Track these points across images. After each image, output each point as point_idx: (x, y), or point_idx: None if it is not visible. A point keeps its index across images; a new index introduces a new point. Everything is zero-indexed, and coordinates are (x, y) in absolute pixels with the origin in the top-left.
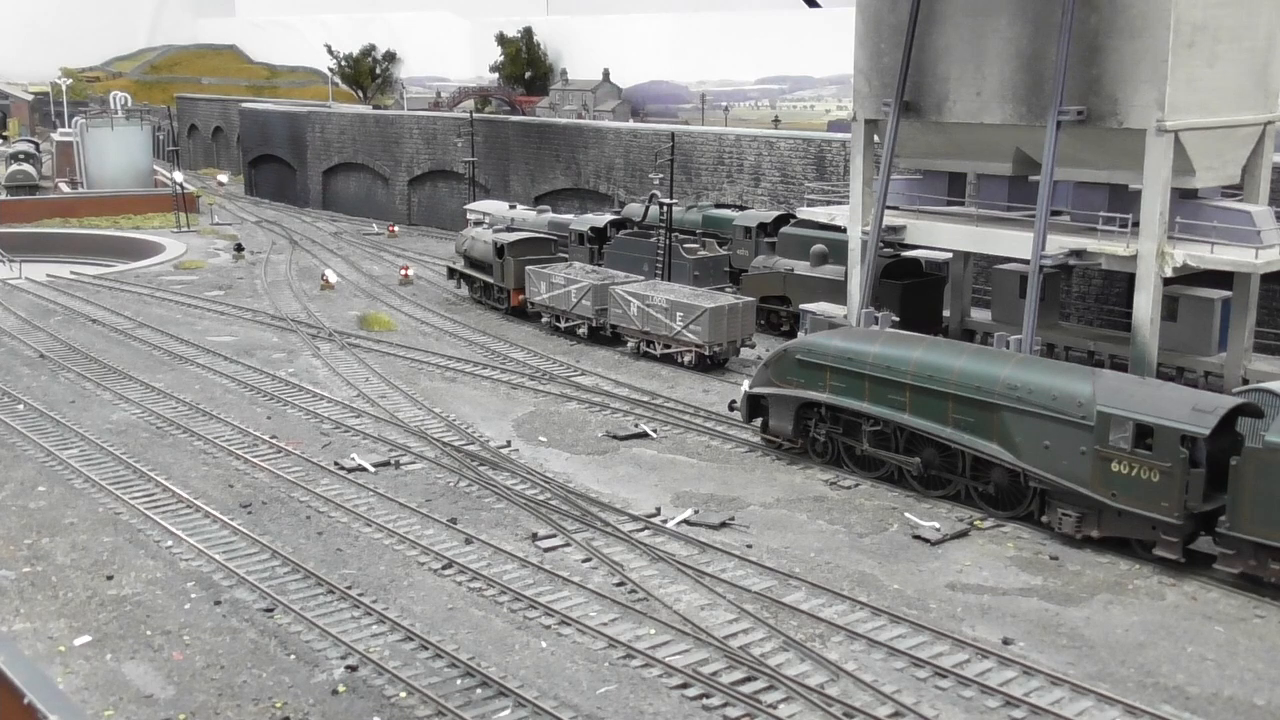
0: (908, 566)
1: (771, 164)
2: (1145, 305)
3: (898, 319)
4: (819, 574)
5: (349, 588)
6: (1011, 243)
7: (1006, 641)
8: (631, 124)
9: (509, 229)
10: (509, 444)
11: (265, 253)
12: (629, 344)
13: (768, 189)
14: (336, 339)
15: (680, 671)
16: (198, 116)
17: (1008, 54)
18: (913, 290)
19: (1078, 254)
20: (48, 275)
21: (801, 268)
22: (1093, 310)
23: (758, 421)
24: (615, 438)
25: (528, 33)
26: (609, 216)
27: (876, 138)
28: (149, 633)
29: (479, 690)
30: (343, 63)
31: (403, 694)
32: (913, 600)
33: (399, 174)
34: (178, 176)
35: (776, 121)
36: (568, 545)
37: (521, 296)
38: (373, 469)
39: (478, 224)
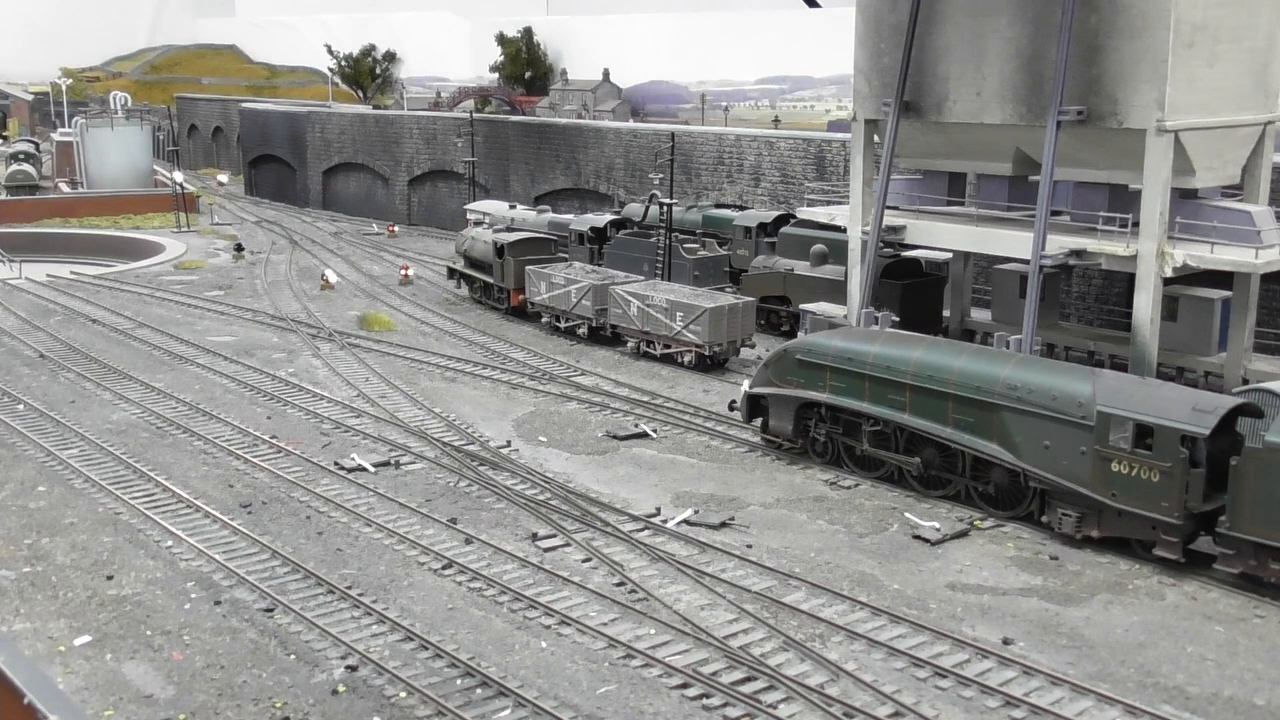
0: (908, 566)
1: (771, 164)
2: (1145, 305)
3: (898, 319)
4: (819, 574)
5: (349, 588)
6: (1011, 243)
7: (1006, 641)
8: (631, 124)
9: (509, 229)
10: (509, 444)
11: (265, 253)
12: (629, 344)
13: (768, 189)
14: (336, 339)
15: (680, 671)
16: (198, 116)
17: (1008, 54)
18: (913, 290)
19: (1078, 254)
20: (48, 275)
21: (801, 268)
22: (1093, 310)
23: (758, 421)
24: (615, 438)
25: (528, 33)
26: (609, 216)
27: (876, 138)
28: (149, 633)
29: (479, 690)
30: (343, 63)
31: (403, 694)
32: (913, 600)
33: (399, 174)
34: (178, 176)
35: (776, 121)
36: (568, 545)
37: (521, 296)
38: (373, 469)
39: (478, 224)
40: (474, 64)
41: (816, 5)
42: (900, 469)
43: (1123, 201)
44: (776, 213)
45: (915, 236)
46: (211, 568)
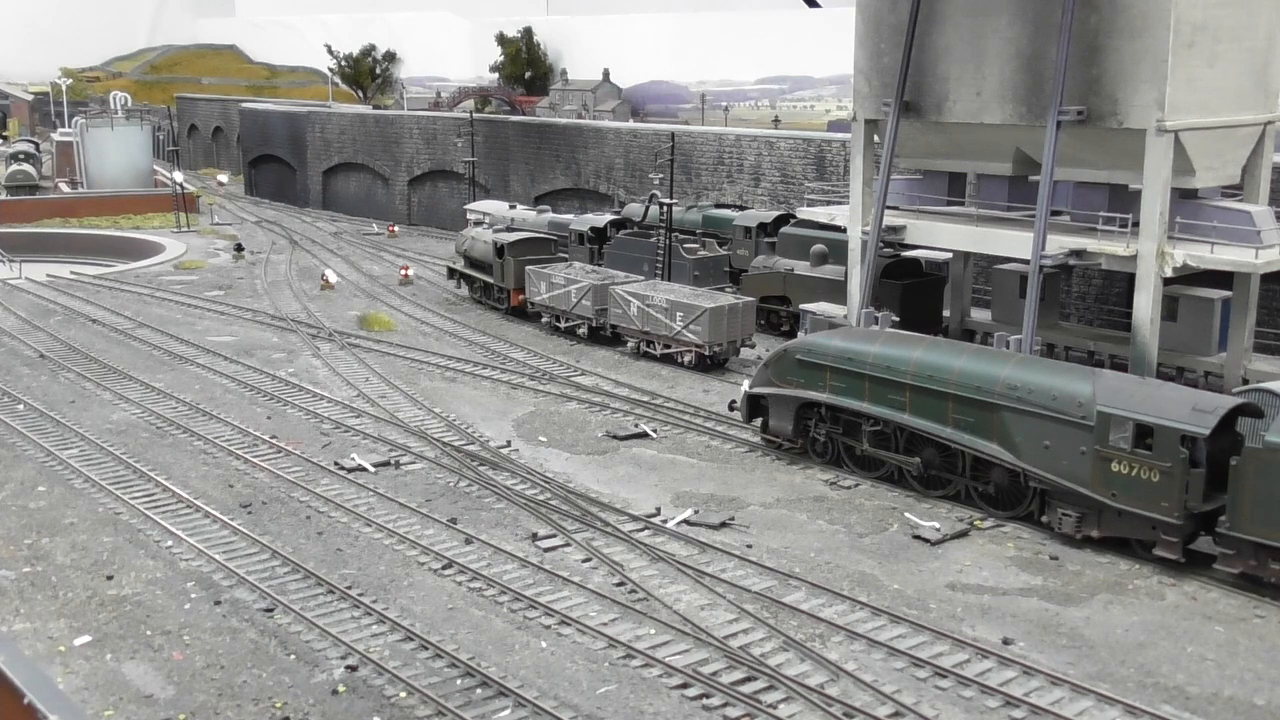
0: (908, 566)
1: (771, 164)
2: (1145, 305)
3: (898, 319)
4: (819, 574)
5: (349, 588)
6: (1011, 243)
7: (1006, 641)
8: (631, 124)
9: (509, 229)
10: (509, 444)
11: (265, 253)
12: (629, 344)
13: (768, 189)
14: (336, 339)
15: (680, 671)
16: (198, 116)
17: (1008, 54)
18: (913, 290)
19: (1078, 254)
20: (48, 275)
21: (801, 268)
22: (1093, 310)
23: (758, 421)
24: (615, 438)
25: (528, 33)
26: (609, 216)
27: (876, 138)
28: (149, 633)
29: (479, 690)
30: (343, 63)
31: (403, 694)
32: (913, 600)
33: (399, 174)
34: (178, 176)
35: (776, 121)
36: (568, 545)
37: (521, 296)
38: (373, 469)
39: (478, 224)
40: (474, 64)
41: (816, 5)
42: (900, 469)
43: (1123, 201)
44: (776, 213)
45: (915, 236)
46: (211, 568)
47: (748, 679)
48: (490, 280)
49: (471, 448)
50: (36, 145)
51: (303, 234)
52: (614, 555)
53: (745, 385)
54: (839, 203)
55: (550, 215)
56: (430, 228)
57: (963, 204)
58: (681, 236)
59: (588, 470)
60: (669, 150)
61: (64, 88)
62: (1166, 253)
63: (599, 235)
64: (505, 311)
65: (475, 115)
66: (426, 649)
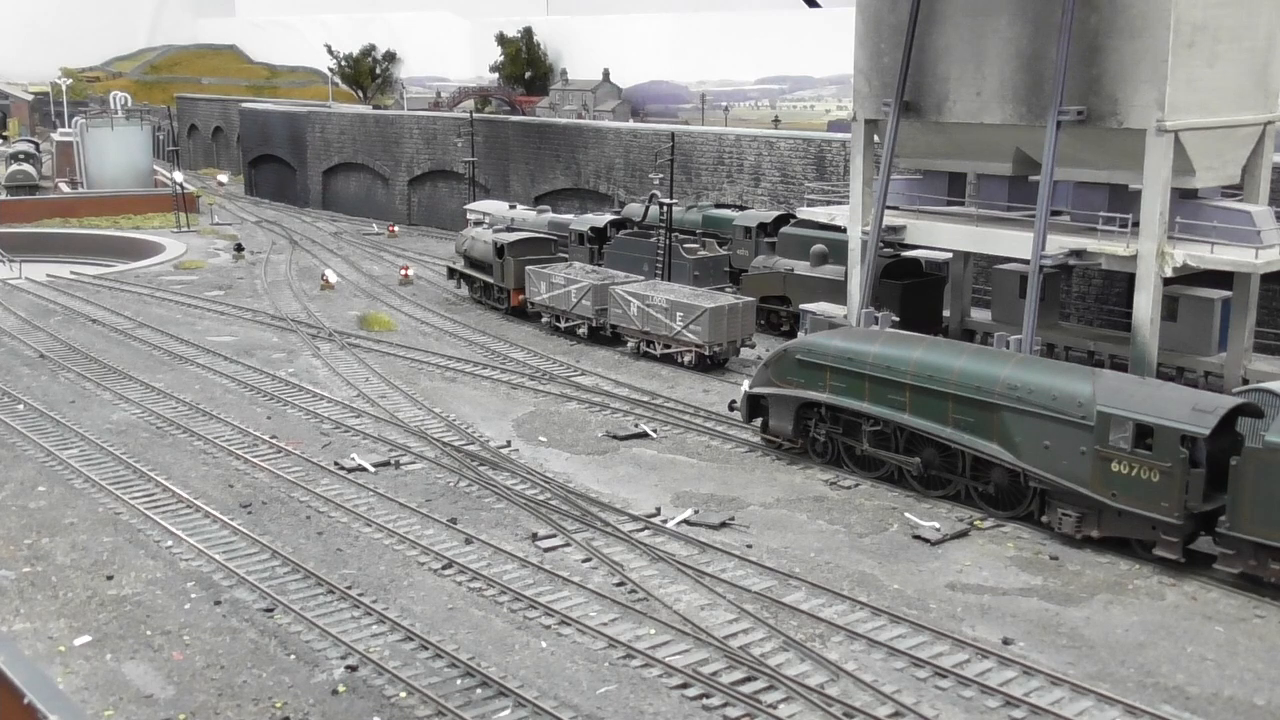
0: (908, 566)
1: (771, 164)
2: (1145, 305)
3: (898, 319)
4: (819, 574)
5: (349, 588)
6: (1011, 243)
7: (1006, 641)
8: (631, 124)
9: (509, 229)
10: (509, 444)
11: (265, 253)
12: (629, 344)
13: (768, 189)
14: (336, 339)
15: (680, 671)
16: (198, 116)
17: (1008, 54)
18: (913, 290)
19: (1078, 254)
20: (48, 275)
21: (801, 268)
22: (1093, 310)
23: (758, 421)
24: (615, 438)
25: (528, 33)
26: (609, 216)
27: (876, 138)
28: (149, 633)
29: (479, 690)
30: (343, 63)
31: (403, 694)
32: (913, 600)
33: (399, 174)
34: (178, 176)
35: (776, 121)
36: (568, 545)
37: (521, 296)
38: (373, 469)
39: (478, 224)
40: (474, 64)
41: (816, 5)
42: (900, 469)
43: (1123, 201)
44: (776, 213)
45: (915, 236)
46: (211, 568)
47: (748, 679)
48: (490, 280)
49: (471, 448)
50: (36, 145)
51: (303, 234)
52: (614, 555)
53: (745, 385)
54: (839, 203)
55: (550, 215)
56: (430, 228)
57: (963, 204)
58: (681, 236)
59: (588, 470)
60: (669, 150)
61: (64, 88)
62: (1166, 253)
63: (599, 235)
64: (505, 311)
65: (475, 115)
66: (426, 649)
